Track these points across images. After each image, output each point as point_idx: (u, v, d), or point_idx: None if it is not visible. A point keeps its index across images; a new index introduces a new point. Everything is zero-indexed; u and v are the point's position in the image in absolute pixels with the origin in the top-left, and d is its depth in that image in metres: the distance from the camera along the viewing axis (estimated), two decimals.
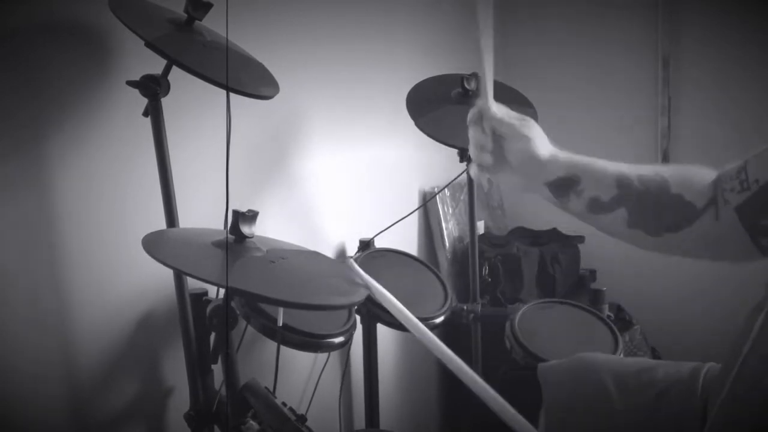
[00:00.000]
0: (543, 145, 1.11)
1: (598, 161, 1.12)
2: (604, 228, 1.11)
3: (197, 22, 1.33)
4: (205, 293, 1.44)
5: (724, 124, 2.63)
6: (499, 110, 1.12)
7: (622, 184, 1.09)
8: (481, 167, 1.13)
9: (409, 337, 2.35)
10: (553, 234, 2.62)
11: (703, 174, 1.11)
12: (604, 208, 1.09)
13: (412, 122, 1.83)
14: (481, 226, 2.57)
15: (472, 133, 1.13)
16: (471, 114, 1.14)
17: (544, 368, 1.27)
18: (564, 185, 1.10)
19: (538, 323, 1.80)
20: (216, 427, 1.43)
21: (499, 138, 1.11)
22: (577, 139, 2.93)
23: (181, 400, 1.48)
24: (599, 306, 2.07)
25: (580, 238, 2.60)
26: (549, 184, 1.11)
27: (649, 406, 1.13)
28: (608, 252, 2.72)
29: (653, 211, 1.06)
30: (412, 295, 1.85)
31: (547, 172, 1.10)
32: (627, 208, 1.07)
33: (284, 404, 1.33)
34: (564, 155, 1.12)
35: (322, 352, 1.68)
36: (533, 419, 1.27)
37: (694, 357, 1.23)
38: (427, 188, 2.42)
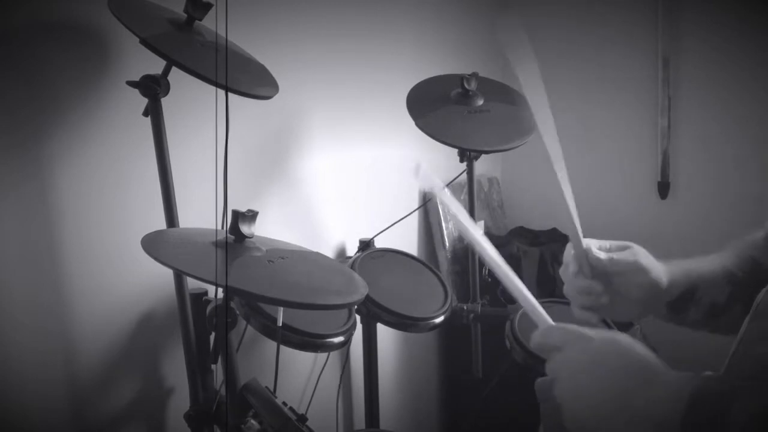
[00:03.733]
0: (657, 268, 1.02)
1: (703, 262, 1.06)
2: (729, 331, 1.00)
3: (197, 22, 1.33)
4: (205, 293, 1.44)
5: (724, 124, 2.63)
6: (599, 250, 1.02)
7: (731, 280, 1.03)
8: (592, 310, 1.04)
9: (409, 337, 2.36)
10: (553, 234, 2.62)
11: (756, 236, 1.06)
12: (723, 310, 1.03)
13: (412, 122, 1.83)
14: (481, 226, 2.57)
15: (575, 282, 1.03)
16: (569, 264, 1.04)
17: (542, 383, 1.26)
18: (684, 299, 1.04)
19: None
20: (216, 427, 1.43)
21: (607, 277, 1.02)
22: (578, 140, 2.95)
23: (181, 400, 1.48)
24: None
25: None
26: (669, 303, 1.05)
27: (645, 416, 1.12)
28: None
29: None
30: (412, 295, 1.85)
31: (669, 294, 1.04)
32: (742, 302, 1.00)
33: (284, 404, 1.33)
34: (677, 270, 1.04)
35: (322, 352, 1.68)
36: (533, 420, 1.28)
37: (694, 357, 1.23)
38: (427, 188, 2.42)
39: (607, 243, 1.06)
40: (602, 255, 1.02)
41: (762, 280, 0.94)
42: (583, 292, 1.03)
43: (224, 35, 1.47)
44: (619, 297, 1.03)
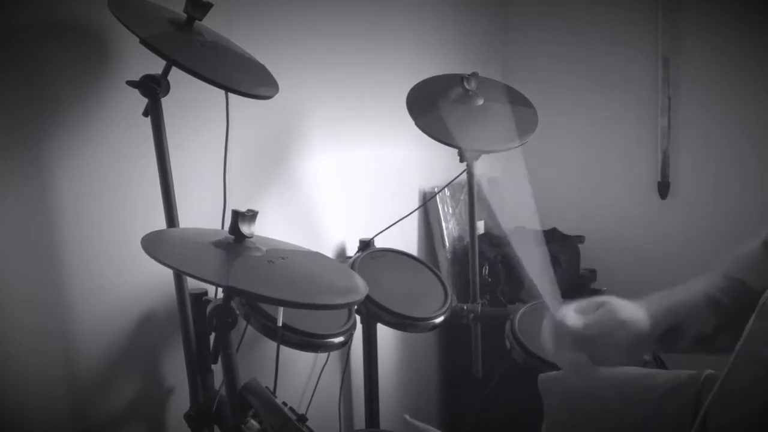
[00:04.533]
0: (636, 317, 1.03)
1: (685, 293, 1.07)
2: (720, 353, 1.04)
3: (197, 22, 1.33)
4: (205, 293, 1.44)
5: (724, 124, 2.64)
6: (574, 316, 1.03)
7: (716, 309, 1.04)
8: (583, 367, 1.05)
9: (409, 337, 2.36)
10: (553, 234, 2.62)
11: (752, 247, 1.07)
12: (710, 338, 1.04)
13: (412, 122, 1.83)
14: (481, 226, 2.57)
15: (558, 357, 1.05)
16: (549, 335, 1.05)
17: (545, 379, 1.26)
18: (670, 334, 1.05)
19: (538, 323, 1.79)
20: (216, 427, 1.43)
21: (588, 341, 1.02)
22: (578, 139, 2.95)
23: (181, 400, 1.48)
24: None
25: (580, 238, 2.61)
26: (657, 338, 1.06)
27: (649, 411, 1.13)
28: (608, 252, 2.74)
29: (749, 317, 0.98)
30: (412, 295, 1.85)
31: (654, 333, 1.04)
32: (729, 330, 1.01)
33: (284, 404, 1.32)
34: (659, 309, 1.05)
35: (322, 352, 1.68)
36: (533, 420, 1.28)
37: (694, 357, 1.23)
38: (427, 188, 2.42)
39: (583, 303, 1.06)
40: (576, 324, 1.02)
41: (750, 305, 0.95)
42: (571, 361, 1.04)
43: (224, 36, 1.47)
44: (606, 352, 1.04)
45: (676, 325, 1.05)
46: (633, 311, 1.04)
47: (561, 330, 1.03)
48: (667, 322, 1.05)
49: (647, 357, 1.78)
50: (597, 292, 2.53)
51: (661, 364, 1.85)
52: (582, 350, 1.02)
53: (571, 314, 1.04)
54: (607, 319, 1.03)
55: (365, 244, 1.97)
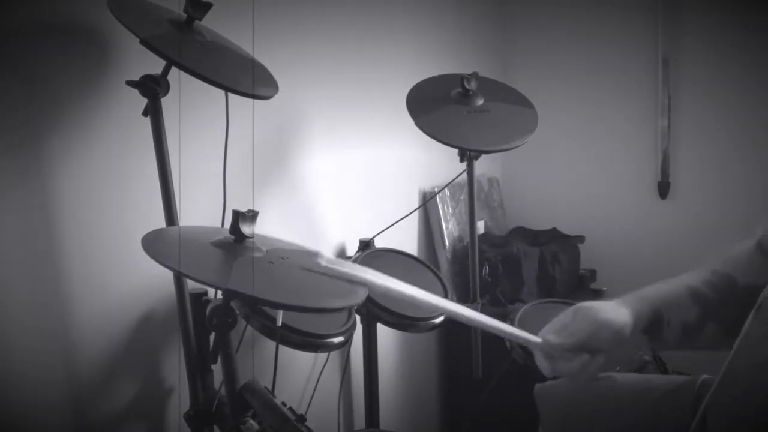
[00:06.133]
0: (617, 314, 1.06)
1: (667, 285, 1.10)
2: (709, 347, 1.08)
3: (197, 21, 1.33)
4: (205, 293, 1.44)
5: (724, 124, 2.63)
6: (554, 335, 1.06)
7: (698, 299, 1.07)
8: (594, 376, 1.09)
9: (409, 337, 2.36)
10: (553, 234, 2.62)
11: (745, 246, 1.09)
12: (696, 328, 1.07)
13: (412, 122, 1.83)
14: (481, 226, 2.57)
15: (562, 372, 1.07)
16: (541, 361, 1.08)
17: (541, 389, 1.27)
18: (655, 325, 1.08)
19: (538, 323, 1.79)
20: (216, 427, 1.43)
21: (579, 346, 1.05)
22: (578, 139, 2.95)
23: (181, 400, 1.48)
24: None
25: (580, 238, 2.61)
26: (645, 332, 1.08)
27: (647, 412, 1.13)
28: (608, 252, 2.74)
29: (736, 312, 1.01)
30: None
31: (639, 326, 1.07)
32: (714, 321, 1.05)
33: (284, 404, 1.32)
34: (638, 303, 1.08)
35: (322, 352, 1.68)
36: (533, 420, 1.28)
37: (694, 357, 1.23)
38: (427, 188, 2.42)
39: (559, 319, 1.09)
40: (558, 340, 1.05)
41: (735, 299, 0.96)
42: (580, 372, 1.05)
43: (224, 36, 1.47)
44: (598, 354, 1.06)
45: (659, 315, 1.07)
46: (611, 309, 1.06)
47: (549, 350, 1.06)
48: (649, 314, 1.07)
49: (647, 357, 1.79)
50: (597, 292, 2.53)
51: (661, 364, 1.86)
52: (576, 360, 1.05)
53: (551, 335, 1.06)
54: (586, 324, 1.05)
55: (365, 244, 1.97)
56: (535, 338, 1.08)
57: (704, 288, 1.08)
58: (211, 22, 1.37)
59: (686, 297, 1.07)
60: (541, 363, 1.08)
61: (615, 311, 1.06)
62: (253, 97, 1.35)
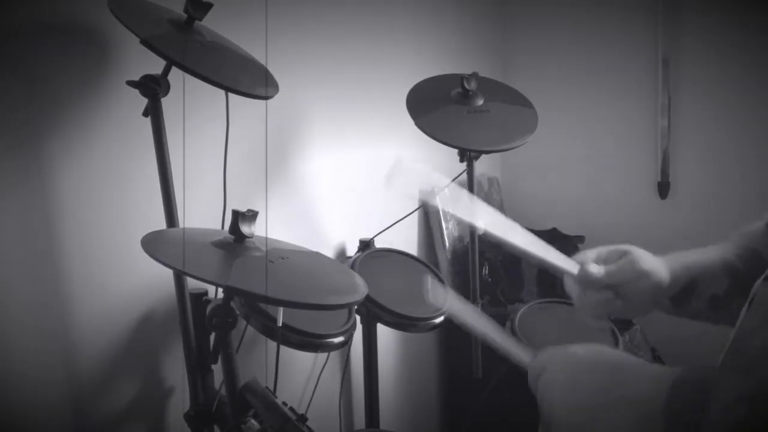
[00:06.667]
0: (658, 269, 1.04)
1: (703, 254, 1.08)
2: (728, 322, 1.08)
3: (197, 22, 1.33)
4: (205, 293, 1.44)
5: (724, 124, 2.64)
6: (596, 265, 1.04)
7: (730, 272, 1.05)
8: (605, 315, 1.08)
9: (409, 337, 2.36)
10: (553, 234, 2.62)
11: (757, 225, 1.08)
12: (723, 301, 1.05)
13: (412, 122, 1.83)
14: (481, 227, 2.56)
15: (586, 300, 1.06)
16: (572, 290, 1.07)
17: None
18: (686, 292, 1.07)
19: (539, 323, 1.80)
20: (216, 427, 1.43)
21: (613, 287, 1.04)
22: (578, 139, 2.94)
23: (181, 400, 1.48)
24: None
25: (580, 238, 2.61)
26: (672, 297, 1.07)
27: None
28: None
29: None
30: (412, 295, 1.85)
31: (672, 289, 1.06)
32: (742, 294, 1.05)
33: (284, 404, 1.33)
34: (677, 265, 1.06)
35: (322, 352, 1.68)
36: (533, 420, 1.27)
37: (694, 357, 1.23)
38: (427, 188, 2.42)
39: (604, 251, 1.07)
40: (599, 271, 1.04)
41: (762, 271, 0.95)
42: (598, 305, 1.05)
43: (224, 36, 1.47)
44: (625, 300, 1.05)
45: (693, 282, 1.05)
46: (655, 263, 1.04)
47: (584, 279, 1.04)
48: (684, 279, 1.05)
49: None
50: None
51: (657, 360, 1.86)
52: (610, 291, 1.04)
53: (592, 266, 1.04)
54: (629, 269, 1.03)
55: (365, 244, 1.97)
56: (572, 266, 1.06)
57: (735, 260, 1.06)
58: (211, 22, 1.37)
59: (719, 268, 1.06)
60: (571, 287, 1.07)
61: (659, 269, 1.04)
62: (253, 96, 1.35)
